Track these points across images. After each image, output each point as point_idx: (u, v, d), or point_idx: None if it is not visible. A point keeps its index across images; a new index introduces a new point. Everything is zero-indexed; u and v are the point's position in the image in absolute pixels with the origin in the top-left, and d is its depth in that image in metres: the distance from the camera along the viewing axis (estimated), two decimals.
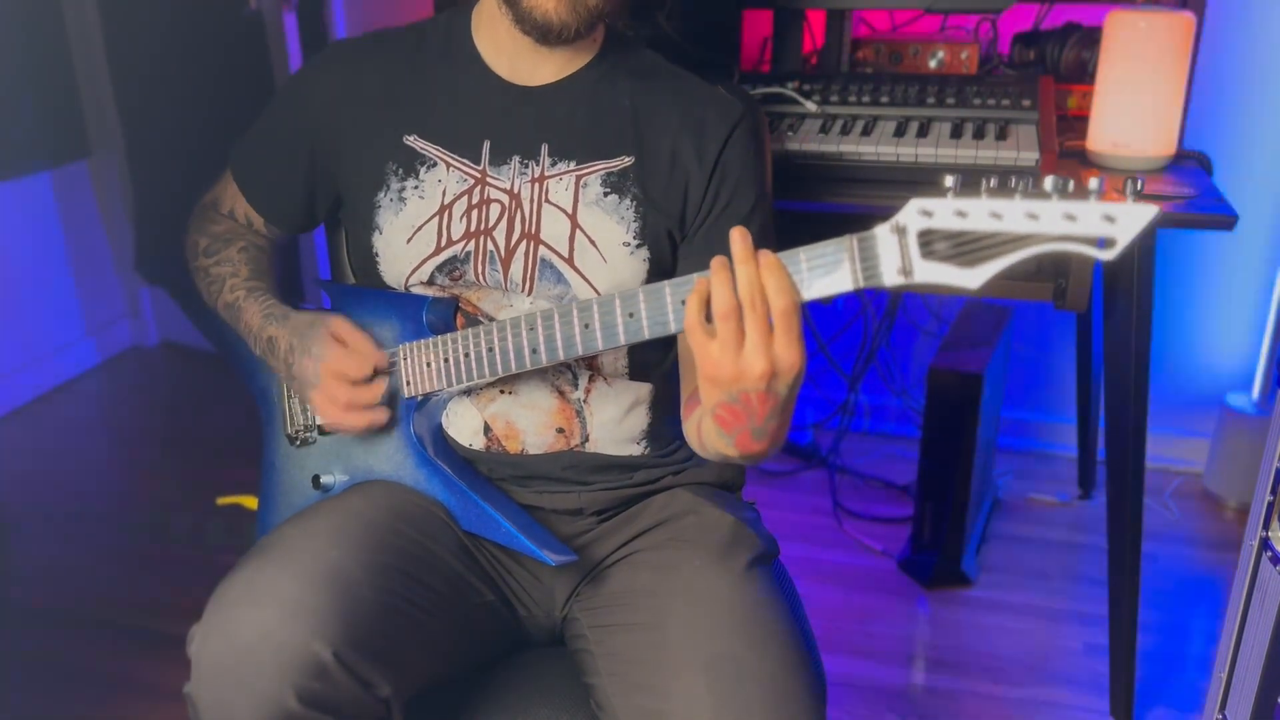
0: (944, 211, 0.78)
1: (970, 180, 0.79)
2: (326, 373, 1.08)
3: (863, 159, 1.53)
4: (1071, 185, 0.76)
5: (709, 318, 0.86)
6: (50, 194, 3.01)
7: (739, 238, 0.84)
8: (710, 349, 0.86)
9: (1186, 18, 1.49)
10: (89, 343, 3.15)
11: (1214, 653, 1.37)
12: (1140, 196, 0.75)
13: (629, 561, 1.13)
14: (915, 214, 0.79)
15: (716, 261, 0.85)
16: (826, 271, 0.84)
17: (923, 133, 1.54)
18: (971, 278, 0.79)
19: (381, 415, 1.10)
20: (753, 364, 0.84)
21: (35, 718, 1.80)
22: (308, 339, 1.10)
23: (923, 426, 2.11)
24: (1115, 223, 0.74)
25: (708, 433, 0.97)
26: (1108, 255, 0.74)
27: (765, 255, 0.84)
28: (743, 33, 1.93)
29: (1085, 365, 2.29)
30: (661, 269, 1.10)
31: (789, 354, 0.85)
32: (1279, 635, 1.23)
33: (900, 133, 1.55)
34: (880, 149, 1.52)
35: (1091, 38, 1.76)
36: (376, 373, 1.09)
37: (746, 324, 0.84)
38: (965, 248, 0.78)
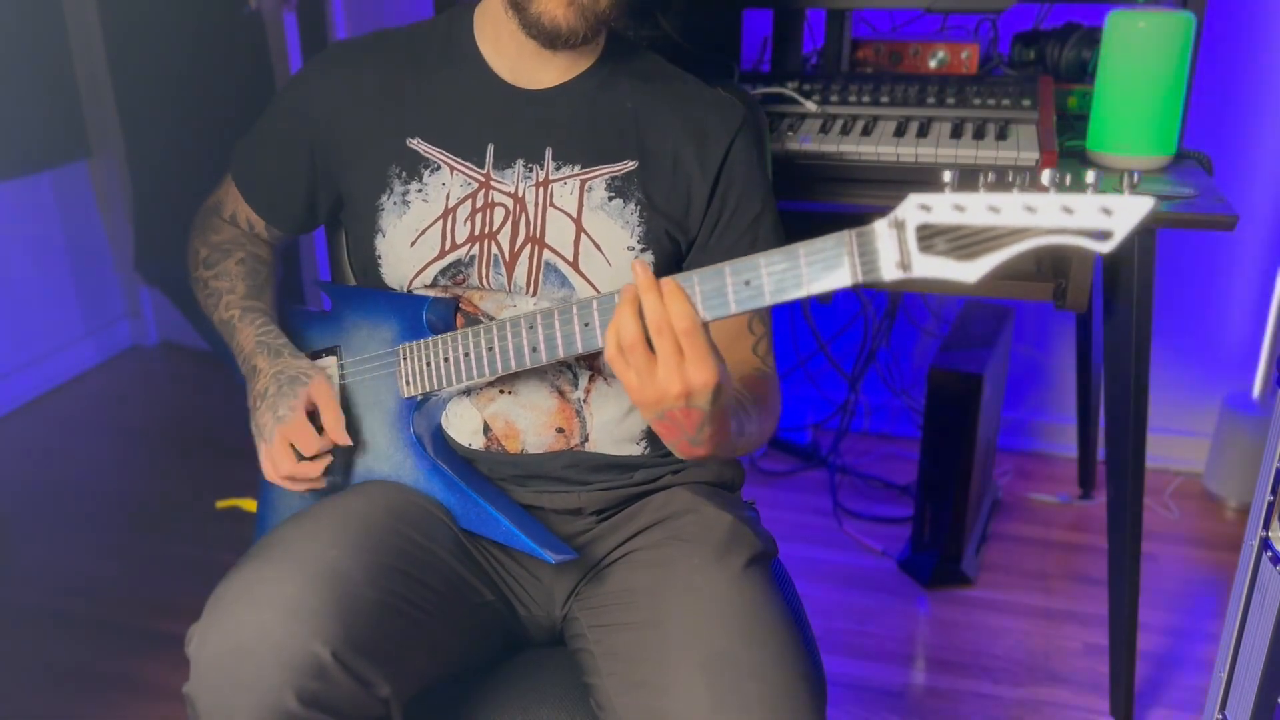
0: (942, 205, 0.79)
1: (969, 176, 0.79)
2: (280, 437, 1.09)
3: (863, 159, 1.53)
4: (1069, 179, 0.76)
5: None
6: (50, 194, 3.01)
7: (639, 268, 0.87)
8: (628, 377, 0.89)
9: (1186, 18, 1.49)
10: (89, 343, 3.15)
11: (1214, 653, 1.36)
12: (1136, 190, 0.75)
13: (628, 560, 1.13)
14: (914, 208, 0.80)
15: (624, 292, 0.88)
16: (825, 266, 0.84)
17: (923, 133, 1.54)
18: (970, 271, 0.79)
19: (306, 488, 1.12)
20: (668, 386, 0.87)
21: (35, 718, 1.80)
22: (282, 394, 1.10)
23: (923, 426, 2.11)
24: (1112, 215, 0.74)
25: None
26: (1105, 248, 0.75)
27: (666, 283, 0.87)
28: (743, 33, 1.93)
29: (1085, 365, 2.29)
30: (665, 272, 1.10)
31: (699, 373, 0.87)
32: (1279, 635, 1.23)
33: (900, 133, 1.55)
34: (880, 149, 1.52)
35: (1091, 38, 1.76)
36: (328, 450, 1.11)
37: (657, 349, 0.87)
38: (963, 241, 0.78)
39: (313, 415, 1.11)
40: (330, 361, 1.17)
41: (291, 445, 1.09)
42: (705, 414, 0.90)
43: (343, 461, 1.14)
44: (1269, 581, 1.24)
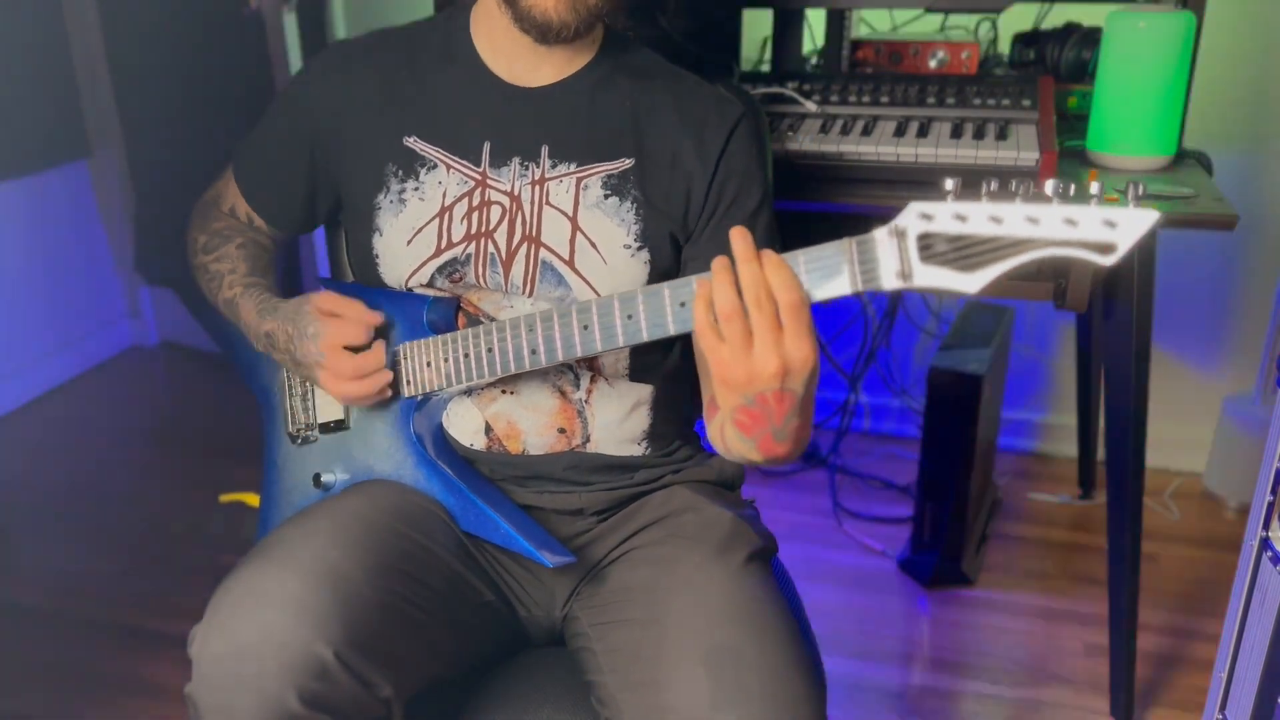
0: (943, 215, 0.78)
1: (970, 183, 0.79)
2: (328, 348, 1.07)
3: (863, 159, 1.53)
4: (1073, 189, 0.76)
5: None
6: (50, 194, 3.01)
7: (739, 237, 0.85)
8: (721, 351, 0.85)
9: (1186, 18, 1.49)
10: (89, 343, 3.15)
11: (1214, 653, 1.37)
12: (1141, 201, 0.74)
13: (628, 558, 1.13)
14: (915, 217, 0.79)
15: (718, 262, 0.85)
16: (825, 274, 0.83)
17: (923, 133, 1.54)
18: (971, 282, 0.78)
19: (387, 376, 1.08)
20: (765, 363, 0.84)
21: (35, 718, 1.80)
22: (300, 322, 1.10)
23: (923, 426, 2.11)
24: (1115, 228, 0.73)
25: (730, 439, 0.97)
26: (1107, 261, 0.74)
27: (768, 254, 0.84)
28: (743, 33, 1.93)
29: (1085, 365, 2.29)
30: (662, 271, 1.10)
31: (800, 350, 0.84)
32: (1279, 635, 1.23)
33: (900, 133, 1.55)
34: (880, 149, 1.52)
35: (1091, 38, 1.76)
36: (375, 334, 1.09)
37: (753, 323, 0.84)
38: (965, 251, 0.78)
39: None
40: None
41: (344, 348, 1.07)
42: (798, 399, 0.88)
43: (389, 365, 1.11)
44: (1269, 581, 1.24)
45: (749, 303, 0.83)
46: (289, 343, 1.11)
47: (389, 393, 1.10)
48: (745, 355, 0.84)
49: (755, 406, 0.88)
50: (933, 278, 0.79)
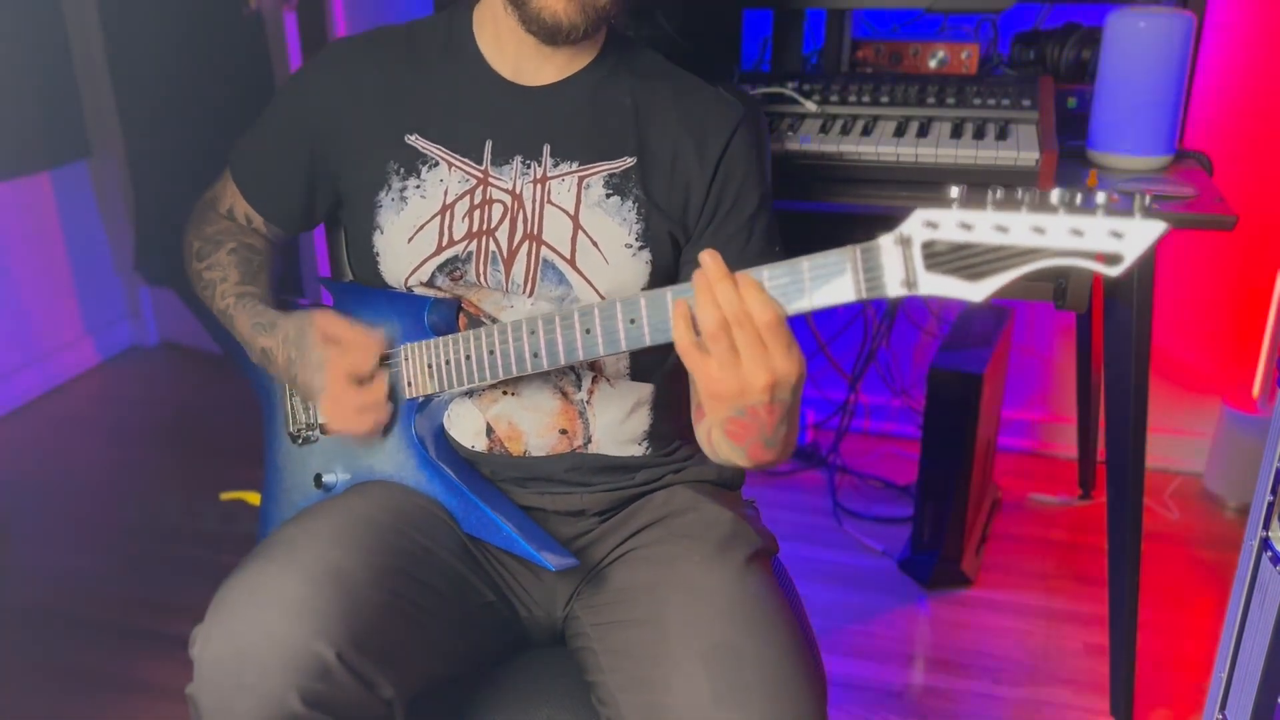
0: (949, 223, 0.77)
1: (976, 190, 0.78)
2: (332, 378, 1.07)
3: (863, 159, 1.53)
4: (1079, 198, 0.74)
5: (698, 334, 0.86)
6: (50, 194, 3.01)
7: (709, 259, 0.85)
8: (709, 367, 0.86)
9: (1186, 18, 1.49)
10: (89, 343, 3.15)
11: (1214, 653, 1.37)
12: (1149, 212, 0.73)
13: (628, 558, 1.13)
14: (920, 225, 0.78)
15: (698, 280, 0.85)
16: (829, 281, 0.83)
17: (923, 133, 1.54)
18: (976, 291, 0.78)
19: (385, 413, 1.10)
20: (754, 378, 0.85)
21: (35, 718, 1.80)
22: (304, 347, 1.10)
23: (923, 426, 2.11)
24: (1122, 239, 0.72)
25: (719, 444, 0.99)
26: (1114, 271, 0.73)
27: (741, 274, 0.85)
28: (743, 33, 1.93)
29: (1085, 365, 2.29)
30: (663, 270, 1.10)
31: (786, 363, 0.85)
32: (1279, 635, 1.23)
33: (900, 133, 1.55)
34: (880, 149, 1.52)
35: (1091, 38, 1.76)
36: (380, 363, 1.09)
37: (737, 339, 0.85)
38: (970, 260, 0.77)
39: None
40: (325, 307, 1.17)
41: (348, 377, 1.07)
42: (786, 408, 0.89)
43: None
44: (1269, 581, 1.24)
45: (730, 320, 0.84)
46: (289, 365, 1.11)
47: (381, 432, 1.11)
48: (734, 370, 0.85)
49: (745, 417, 0.89)
50: (937, 286, 0.78)
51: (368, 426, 1.09)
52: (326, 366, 1.07)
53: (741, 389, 0.85)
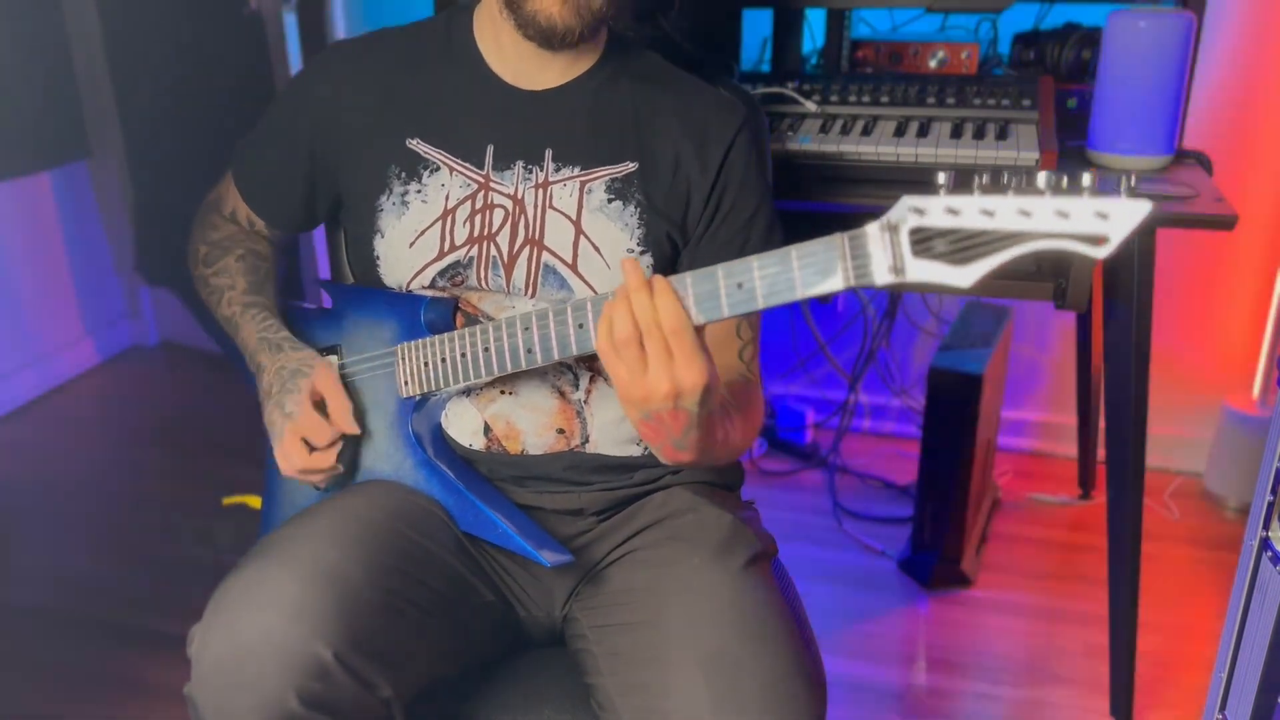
0: (936, 209, 0.77)
1: (964, 178, 0.78)
2: (290, 433, 1.09)
3: (863, 159, 1.53)
4: (1065, 181, 0.75)
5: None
6: (50, 194, 3.01)
7: (629, 268, 0.88)
8: (619, 371, 0.89)
9: (1186, 18, 1.49)
10: (89, 343, 3.15)
11: (1214, 653, 1.37)
12: (1134, 193, 0.74)
13: (628, 560, 1.13)
14: (907, 211, 0.79)
15: (618, 290, 0.88)
16: (817, 270, 0.83)
17: (923, 133, 1.54)
18: (964, 276, 0.78)
19: (325, 479, 1.14)
20: (657, 385, 0.87)
21: (35, 718, 1.80)
22: (286, 390, 1.11)
23: (923, 426, 2.11)
24: (1108, 219, 0.73)
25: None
26: (1100, 253, 0.74)
27: (656, 280, 0.87)
28: (743, 33, 1.93)
29: (1085, 365, 2.29)
30: (663, 274, 1.10)
31: (688, 374, 0.87)
32: (1279, 635, 1.23)
33: (900, 133, 1.55)
34: (880, 149, 1.52)
35: (1091, 38, 1.76)
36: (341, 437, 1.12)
37: (647, 347, 0.87)
38: (957, 245, 0.77)
39: (320, 406, 1.11)
40: (331, 360, 1.18)
41: (303, 439, 1.09)
42: (693, 417, 0.91)
43: (352, 451, 1.14)
44: (1269, 581, 1.24)
45: (641, 328, 0.87)
46: (268, 394, 1.13)
47: (319, 486, 1.16)
48: (640, 377, 0.88)
49: (653, 421, 0.92)
50: (925, 272, 0.79)
51: (301, 479, 1.13)
52: (291, 423, 1.09)
53: (646, 395, 0.88)
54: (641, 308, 0.87)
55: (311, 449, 1.10)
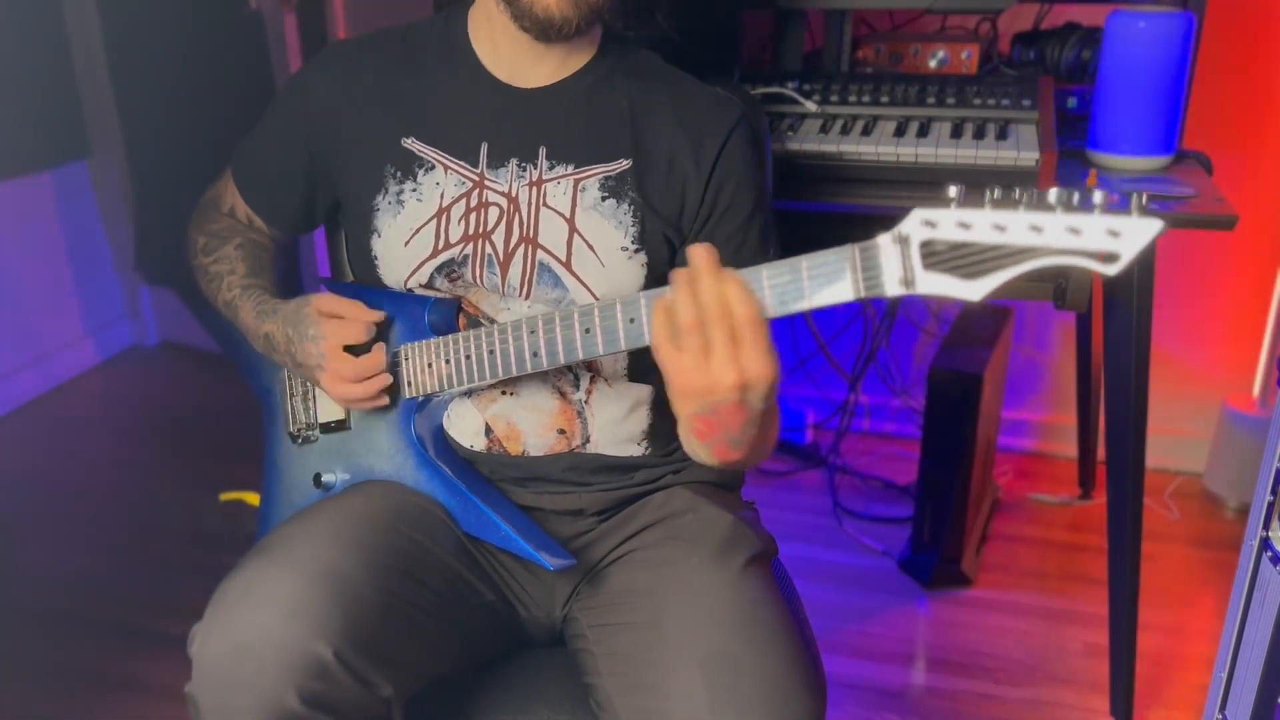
0: (947, 222, 0.77)
1: (974, 189, 0.78)
2: (329, 349, 1.08)
3: (863, 159, 1.53)
4: (1076, 197, 0.74)
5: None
6: (50, 194, 3.01)
7: (702, 252, 0.84)
8: (681, 362, 0.85)
9: (1186, 18, 1.49)
10: (89, 343, 3.15)
11: (1214, 653, 1.37)
12: (1146, 210, 0.73)
13: (628, 560, 1.13)
14: (918, 224, 0.79)
15: (679, 275, 0.85)
16: (828, 280, 0.83)
17: (923, 133, 1.54)
18: (973, 290, 0.78)
19: (386, 379, 1.09)
20: (723, 375, 0.84)
21: (35, 718, 1.80)
22: (301, 325, 1.10)
23: (923, 426, 2.11)
24: (1119, 237, 0.73)
25: (685, 440, 0.99)
26: (1111, 270, 0.74)
27: (727, 270, 0.84)
28: (743, 33, 1.93)
29: (1085, 365, 2.29)
30: (659, 273, 1.10)
31: (758, 364, 0.84)
32: (1279, 635, 1.23)
33: (900, 133, 1.55)
34: (880, 149, 1.52)
35: (1091, 38, 1.76)
36: (377, 335, 1.09)
37: (712, 336, 0.84)
38: (968, 259, 0.77)
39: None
40: (320, 288, 1.17)
41: (343, 348, 1.08)
42: (755, 412, 0.88)
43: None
44: (1269, 581, 1.24)
45: (708, 315, 0.83)
46: (289, 345, 1.11)
47: (385, 400, 1.10)
48: (704, 367, 0.84)
49: (711, 415, 0.89)
50: (935, 285, 0.79)
51: (366, 393, 1.08)
52: (323, 339, 1.08)
53: (710, 385, 0.84)
54: (711, 293, 0.83)
55: (355, 354, 1.08)
